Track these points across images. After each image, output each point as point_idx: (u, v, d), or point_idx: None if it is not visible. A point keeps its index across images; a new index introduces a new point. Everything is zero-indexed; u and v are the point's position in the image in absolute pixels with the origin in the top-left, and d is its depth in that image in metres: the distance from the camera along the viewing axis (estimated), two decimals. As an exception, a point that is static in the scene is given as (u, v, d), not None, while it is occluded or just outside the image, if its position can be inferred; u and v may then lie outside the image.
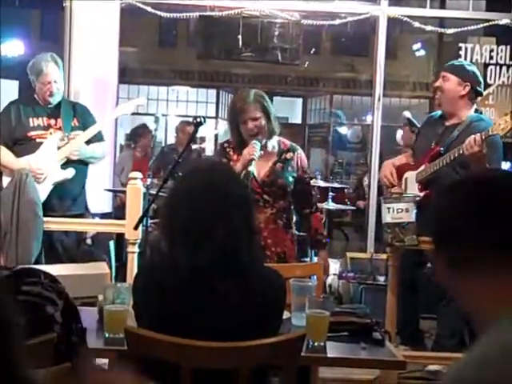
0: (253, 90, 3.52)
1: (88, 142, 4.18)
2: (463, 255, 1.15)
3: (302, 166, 3.55)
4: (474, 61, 5.81)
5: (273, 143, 3.54)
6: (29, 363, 0.98)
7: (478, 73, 3.90)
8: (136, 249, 3.66)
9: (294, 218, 3.66)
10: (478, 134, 3.40)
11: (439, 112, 3.98)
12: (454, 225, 1.18)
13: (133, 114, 4.50)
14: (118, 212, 5.25)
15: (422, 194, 3.78)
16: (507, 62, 5.91)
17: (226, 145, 3.61)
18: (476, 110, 3.90)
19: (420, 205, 3.60)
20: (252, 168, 3.31)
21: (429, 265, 4.06)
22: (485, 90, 4.58)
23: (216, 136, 15.20)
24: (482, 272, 1.12)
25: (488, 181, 1.23)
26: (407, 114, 4.60)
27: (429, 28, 5.94)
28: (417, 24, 5.76)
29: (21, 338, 0.99)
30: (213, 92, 16.11)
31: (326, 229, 5.99)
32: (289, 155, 3.54)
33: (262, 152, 3.41)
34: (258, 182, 3.44)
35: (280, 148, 3.55)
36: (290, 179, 3.50)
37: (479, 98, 4.11)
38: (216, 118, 15.85)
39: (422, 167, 3.83)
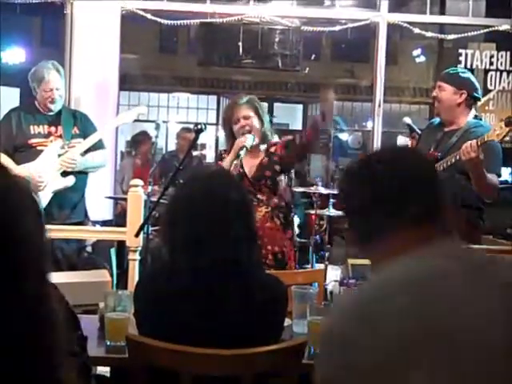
0: (247, 96, 3.61)
1: (88, 150, 4.18)
2: (369, 227, 1.40)
3: (282, 151, 3.61)
4: (474, 67, 5.82)
5: (263, 146, 3.63)
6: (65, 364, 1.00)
7: (473, 79, 3.90)
8: (137, 256, 3.66)
9: (298, 221, 3.71)
10: (474, 140, 3.41)
11: (439, 119, 4.00)
12: (359, 204, 1.41)
13: (133, 121, 4.50)
14: (119, 219, 5.25)
15: None
16: (507, 67, 5.92)
17: (223, 151, 3.74)
18: (476, 116, 3.91)
19: None
20: (243, 153, 3.38)
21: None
22: (485, 95, 4.59)
23: (217, 142, 15.21)
24: (385, 237, 1.35)
25: (385, 160, 1.42)
26: (407, 119, 4.58)
27: (429, 34, 5.94)
28: (417, 30, 5.77)
29: (63, 340, 1.00)
30: (213, 98, 16.13)
31: (326, 235, 5.98)
32: (273, 148, 3.64)
33: (255, 143, 3.48)
34: (250, 180, 3.53)
35: (267, 146, 3.65)
36: (277, 168, 3.56)
37: (479, 103, 4.12)
38: (217, 124, 15.85)
39: None
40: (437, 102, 3.86)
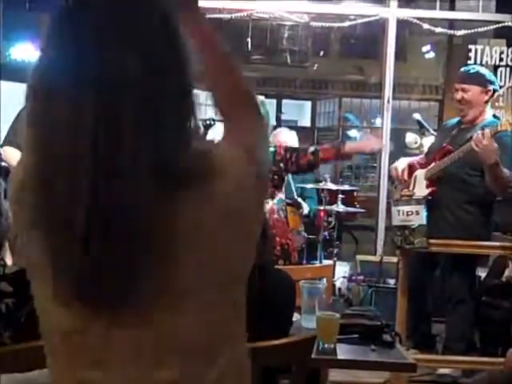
0: None
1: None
2: None
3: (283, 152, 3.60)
4: (483, 63, 5.80)
5: None
6: None
7: (490, 72, 3.93)
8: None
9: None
10: (487, 130, 3.40)
11: (457, 119, 4.01)
12: None
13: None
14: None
15: (428, 191, 3.80)
16: (517, 63, 5.89)
17: None
18: (494, 116, 3.93)
19: (429, 205, 3.62)
20: None
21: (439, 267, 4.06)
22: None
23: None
24: None
25: None
26: (417, 116, 4.57)
27: (438, 30, 5.92)
28: (426, 26, 5.75)
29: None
30: (222, 95, 16.13)
31: (335, 232, 5.97)
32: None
33: None
34: None
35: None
36: (282, 166, 3.57)
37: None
38: (225, 120, 15.85)
39: (432, 164, 3.86)
40: (461, 104, 3.84)
